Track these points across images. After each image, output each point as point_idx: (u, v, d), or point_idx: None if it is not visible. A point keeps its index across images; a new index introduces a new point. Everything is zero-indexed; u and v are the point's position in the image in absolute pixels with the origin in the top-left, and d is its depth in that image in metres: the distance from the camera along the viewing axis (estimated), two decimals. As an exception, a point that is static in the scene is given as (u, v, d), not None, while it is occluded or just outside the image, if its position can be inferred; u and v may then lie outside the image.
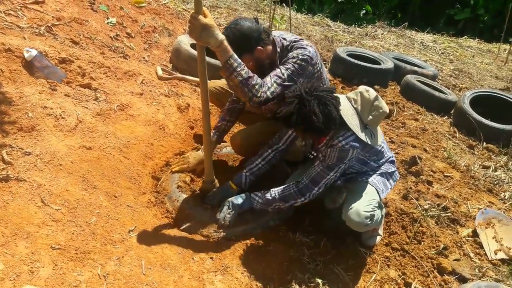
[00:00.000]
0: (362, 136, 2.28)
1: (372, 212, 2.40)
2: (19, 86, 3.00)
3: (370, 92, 2.36)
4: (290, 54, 2.54)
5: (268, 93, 2.39)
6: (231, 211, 2.55)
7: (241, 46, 2.44)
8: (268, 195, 2.53)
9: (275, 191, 2.52)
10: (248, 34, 2.47)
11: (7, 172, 2.35)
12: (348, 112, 2.30)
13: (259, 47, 2.53)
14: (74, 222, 2.28)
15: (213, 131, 3.02)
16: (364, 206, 2.38)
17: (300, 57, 2.50)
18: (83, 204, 2.41)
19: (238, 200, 2.58)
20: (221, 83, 3.30)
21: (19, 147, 2.55)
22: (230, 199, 2.59)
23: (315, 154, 2.78)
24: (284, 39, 2.65)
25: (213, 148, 3.04)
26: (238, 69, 2.28)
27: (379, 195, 2.50)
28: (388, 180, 2.64)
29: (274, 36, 2.64)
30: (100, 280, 2.03)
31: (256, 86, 2.34)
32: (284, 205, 2.51)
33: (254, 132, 3.00)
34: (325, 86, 2.54)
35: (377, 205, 2.46)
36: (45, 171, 2.49)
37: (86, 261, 2.10)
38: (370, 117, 2.35)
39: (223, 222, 2.53)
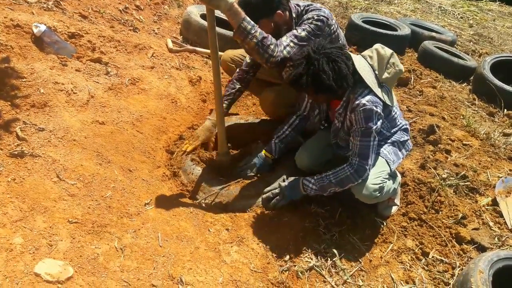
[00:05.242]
0: (378, 92, 2.22)
1: (381, 184, 2.35)
2: (29, 62, 2.98)
3: (386, 49, 2.33)
4: (305, 16, 2.50)
5: (285, 52, 2.35)
6: (282, 201, 2.44)
7: (262, 8, 2.40)
8: (322, 181, 2.37)
9: (329, 176, 2.35)
10: None
11: (22, 148, 2.36)
12: (364, 69, 2.25)
13: (279, 11, 2.49)
14: (90, 196, 2.30)
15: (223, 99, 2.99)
16: (372, 178, 2.33)
17: (316, 17, 2.46)
18: (98, 179, 2.42)
19: (291, 192, 2.44)
20: (238, 52, 3.22)
21: (33, 123, 2.55)
22: (283, 187, 2.44)
23: (326, 124, 2.73)
24: (298, 5, 2.62)
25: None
26: (252, 31, 2.23)
27: (390, 166, 2.43)
28: (400, 149, 2.55)
29: (289, 2, 2.60)
30: (117, 252, 2.05)
31: (272, 46, 2.30)
32: (340, 189, 2.36)
33: (286, 90, 2.94)
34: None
35: (386, 176, 2.40)
36: (59, 146, 2.50)
37: (103, 234, 2.12)
38: (386, 74, 2.30)
39: (271, 206, 2.46)
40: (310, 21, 2.45)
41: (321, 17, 2.46)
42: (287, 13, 2.56)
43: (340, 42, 2.66)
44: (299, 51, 2.34)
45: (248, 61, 2.92)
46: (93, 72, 3.24)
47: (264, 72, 3.04)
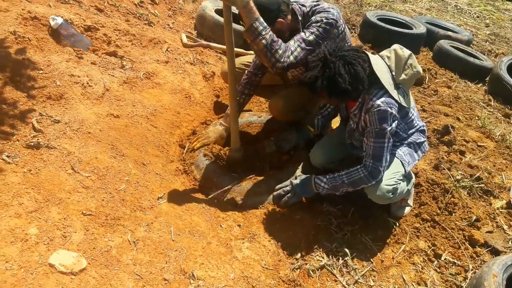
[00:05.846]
0: (394, 93, 2.19)
1: (395, 186, 2.33)
2: (46, 54, 3.01)
3: (404, 50, 2.29)
4: (313, 18, 2.45)
5: (292, 57, 2.33)
6: (294, 198, 2.45)
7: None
8: (335, 181, 2.35)
9: (342, 176, 2.34)
10: (267, 7, 2.37)
11: (38, 139, 2.39)
12: (381, 69, 2.22)
13: (280, 19, 2.44)
14: (104, 189, 2.31)
15: None
16: (386, 179, 2.31)
17: (325, 20, 2.41)
18: (112, 172, 2.44)
19: (303, 190, 2.45)
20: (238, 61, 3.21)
21: (49, 115, 2.58)
22: (294, 184, 2.45)
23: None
24: (303, 5, 2.56)
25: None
26: (263, 33, 2.20)
27: (404, 168, 2.40)
28: (416, 151, 2.52)
29: (292, 4, 2.54)
30: (130, 245, 2.07)
31: (280, 51, 2.27)
32: (352, 189, 2.35)
33: (294, 95, 2.93)
34: (350, 46, 2.45)
35: (400, 177, 2.37)
36: (74, 139, 2.52)
37: (116, 227, 2.14)
38: (404, 75, 2.26)
39: (282, 204, 2.46)
40: (318, 24, 2.40)
41: (330, 20, 2.41)
42: (289, 16, 2.51)
43: (347, 39, 2.61)
44: (306, 55, 2.32)
45: (257, 62, 2.90)
46: (108, 65, 3.26)
47: (267, 77, 3.03)
